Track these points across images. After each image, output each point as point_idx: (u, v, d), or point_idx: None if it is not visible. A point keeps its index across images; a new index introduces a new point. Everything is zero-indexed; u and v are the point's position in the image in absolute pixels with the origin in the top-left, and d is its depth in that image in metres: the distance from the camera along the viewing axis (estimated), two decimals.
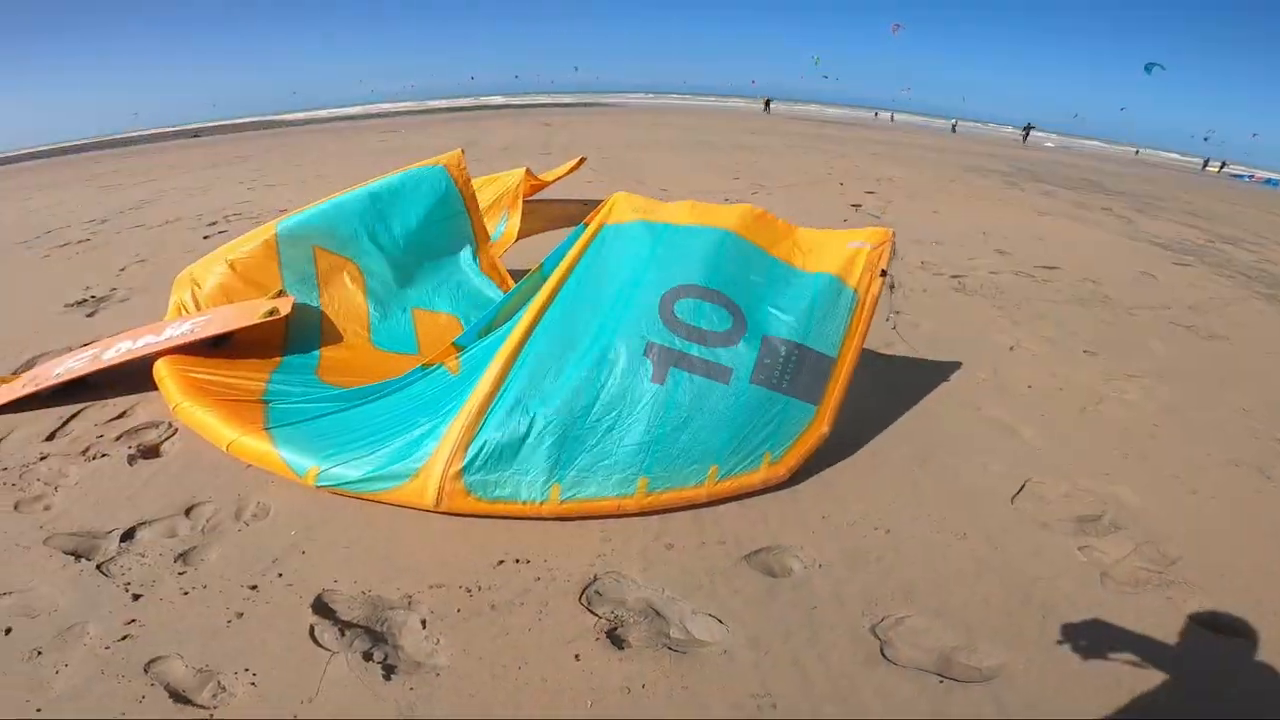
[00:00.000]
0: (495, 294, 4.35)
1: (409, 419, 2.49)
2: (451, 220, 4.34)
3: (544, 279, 2.86)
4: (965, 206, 10.00)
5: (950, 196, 10.81)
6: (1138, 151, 50.47)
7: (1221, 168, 41.40)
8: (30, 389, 3.05)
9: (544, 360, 2.57)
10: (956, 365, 3.92)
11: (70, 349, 3.65)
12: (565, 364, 2.55)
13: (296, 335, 3.53)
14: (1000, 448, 3.03)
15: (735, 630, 1.88)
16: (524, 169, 5.70)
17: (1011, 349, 4.34)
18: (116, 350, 3.26)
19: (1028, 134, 42.95)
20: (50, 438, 2.84)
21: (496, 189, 5.76)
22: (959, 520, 2.46)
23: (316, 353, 3.55)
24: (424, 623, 1.87)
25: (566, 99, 49.28)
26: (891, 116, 52.87)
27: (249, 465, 2.54)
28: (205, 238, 6.52)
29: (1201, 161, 43.00)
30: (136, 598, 1.94)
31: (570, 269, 2.82)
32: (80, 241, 6.66)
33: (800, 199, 9.35)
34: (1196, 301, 5.85)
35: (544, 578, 2.06)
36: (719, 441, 2.42)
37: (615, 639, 1.85)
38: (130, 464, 2.62)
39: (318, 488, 2.39)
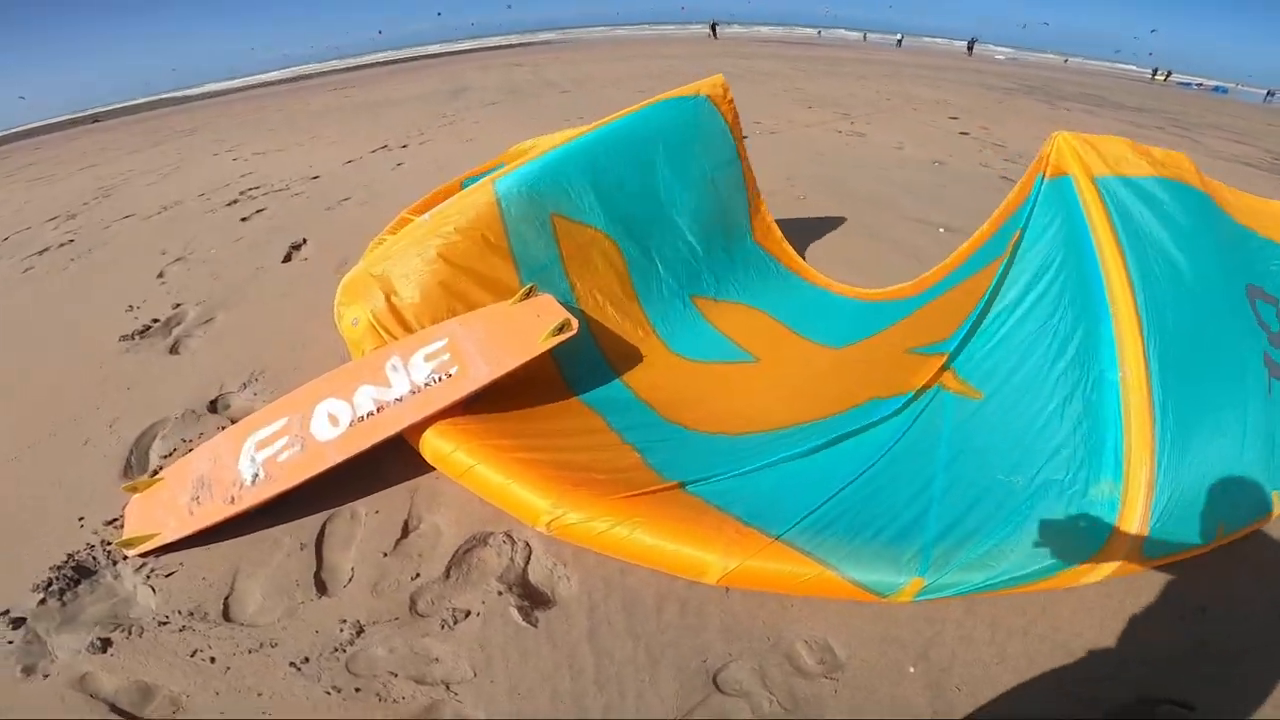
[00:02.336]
0: (784, 274, 3.30)
1: (1016, 466, 1.70)
2: (724, 171, 3.24)
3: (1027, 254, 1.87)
4: (1042, 128, 9.40)
5: (1022, 118, 10.13)
6: (1066, 60, 51.15)
7: (1168, 76, 42.33)
8: (236, 508, 1.84)
9: (1181, 369, 1.66)
10: None
11: (199, 419, 2.39)
12: (1205, 377, 1.70)
13: (567, 352, 2.37)
14: None
15: None
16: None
17: None
18: (328, 420, 2.06)
19: (971, 48, 43.08)
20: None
21: None
22: None
23: (616, 380, 2.45)
24: None
25: (496, 40, 45.56)
26: (864, 36, 51.57)
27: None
28: (244, 219, 5.05)
29: (1150, 71, 43.89)
30: None
31: (1109, 241, 1.78)
32: (62, 245, 5.08)
33: (907, 129, 8.35)
34: None
35: None
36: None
37: None
38: (529, 621, 1.53)
39: (917, 602, 1.54)
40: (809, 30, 56.48)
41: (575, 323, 2.26)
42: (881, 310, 2.82)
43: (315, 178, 6.27)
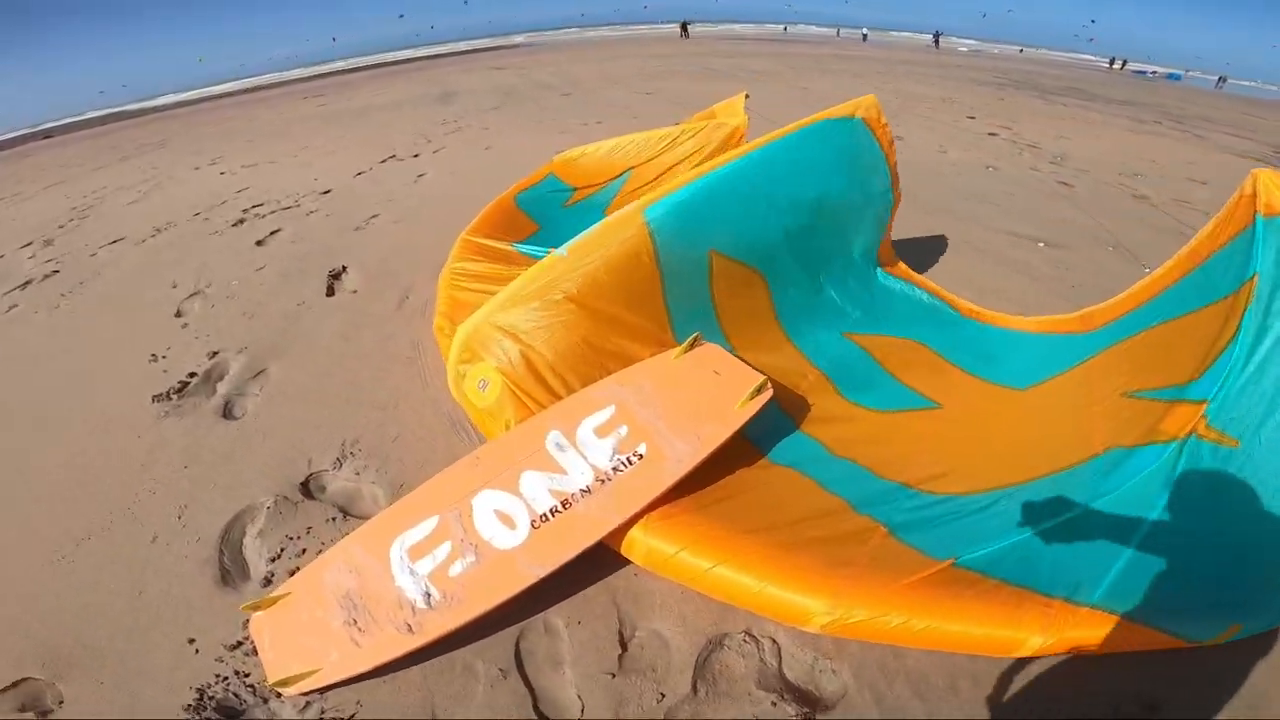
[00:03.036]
0: (926, 302, 2.98)
1: None
2: (878, 202, 2.92)
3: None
4: (1057, 126, 9.32)
5: (1033, 116, 10.10)
6: (1021, 50, 52.51)
7: (1124, 65, 43.62)
8: (418, 639, 1.41)
9: None
10: None
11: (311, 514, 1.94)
12: None
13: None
14: None
15: None
16: (743, 116, 4.23)
17: None
18: (498, 520, 1.64)
19: (937, 40, 43.99)
20: None
21: (700, 143, 4.24)
22: None
23: (803, 435, 2.08)
24: None
25: (464, 45, 44.58)
26: (838, 31, 51.95)
27: None
28: (259, 243, 4.52)
29: (1108, 60, 45.16)
30: None
31: None
32: (47, 277, 4.50)
33: (937, 130, 8.13)
34: None
35: None
36: None
37: None
38: None
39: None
40: (775, 27, 56.85)
41: (766, 393, 1.88)
42: (1055, 346, 2.56)
43: (327, 192, 5.73)
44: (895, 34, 57.74)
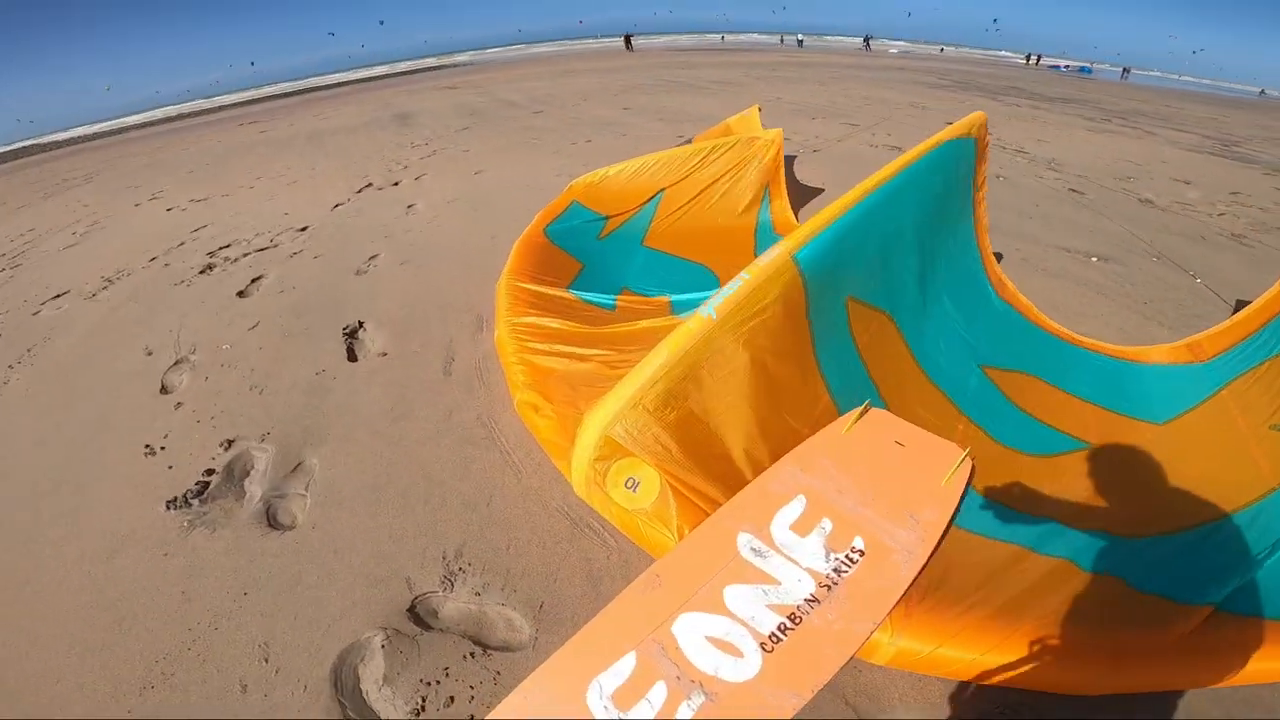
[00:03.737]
0: (1035, 331, 2.77)
1: None
2: (972, 219, 2.69)
3: None
4: (1029, 130, 9.64)
5: (1001, 120, 10.37)
6: (942, 50, 55.12)
7: (1038, 60, 46.31)
8: None
9: None
10: None
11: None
12: None
13: None
14: None
15: None
16: (778, 130, 3.98)
17: None
18: (714, 649, 1.22)
19: (868, 43, 46.06)
20: None
21: (735, 158, 3.98)
22: None
23: (979, 494, 1.84)
24: None
25: (405, 65, 43.50)
26: (781, 39, 53.13)
27: None
28: (241, 293, 3.97)
29: (1025, 56, 47.89)
30: None
31: None
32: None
33: (921, 138, 8.10)
34: None
35: None
36: None
37: None
38: None
39: None
40: (714, 36, 57.88)
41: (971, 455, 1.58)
42: (1175, 378, 2.50)
43: (304, 229, 5.17)
44: (828, 39, 59.68)
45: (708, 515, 1.39)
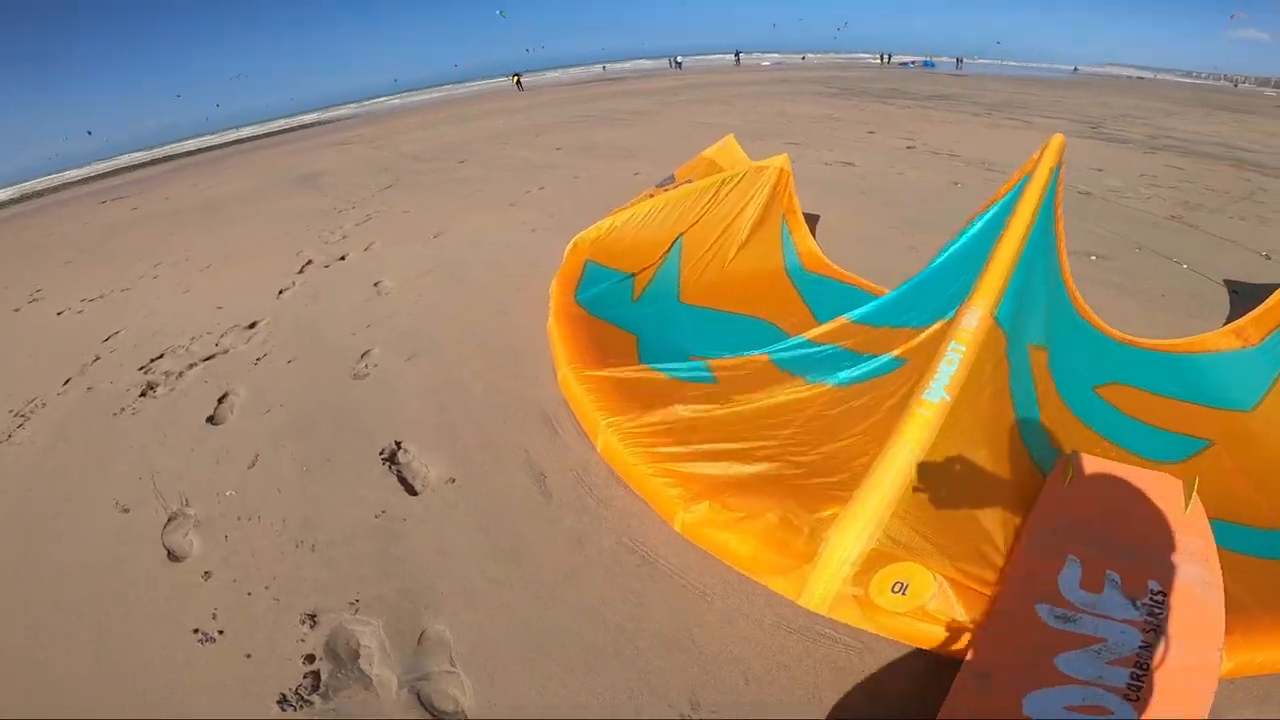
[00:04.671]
0: (1105, 339, 2.75)
1: None
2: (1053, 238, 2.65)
3: None
4: (942, 131, 10.27)
5: (918, 123, 10.94)
6: (804, 57, 59.47)
7: (889, 59, 50.74)
8: None
9: None
10: None
11: None
12: None
13: None
14: None
15: None
16: (783, 155, 3.86)
17: None
18: None
19: (739, 58, 49.21)
20: None
21: (744, 192, 3.81)
22: None
23: None
24: None
25: (277, 124, 41.13)
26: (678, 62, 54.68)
27: None
28: (210, 419, 3.32)
29: (879, 56, 52.37)
30: None
31: None
32: None
33: (864, 152, 8.37)
34: None
35: None
36: None
37: None
38: None
39: None
40: (595, 68, 59.05)
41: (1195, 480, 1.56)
42: (1237, 364, 2.60)
43: (253, 325, 4.48)
44: (701, 58, 62.32)
45: (986, 597, 1.43)
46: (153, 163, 28.29)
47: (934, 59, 55.23)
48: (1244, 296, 3.81)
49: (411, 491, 2.46)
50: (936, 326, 2.04)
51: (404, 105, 39.78)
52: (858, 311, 2.71)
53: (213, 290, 5.43)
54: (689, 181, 4.67)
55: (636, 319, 3.15)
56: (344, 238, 6.30)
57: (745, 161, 4.64)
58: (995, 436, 1.74)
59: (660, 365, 2.56)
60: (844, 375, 2.20)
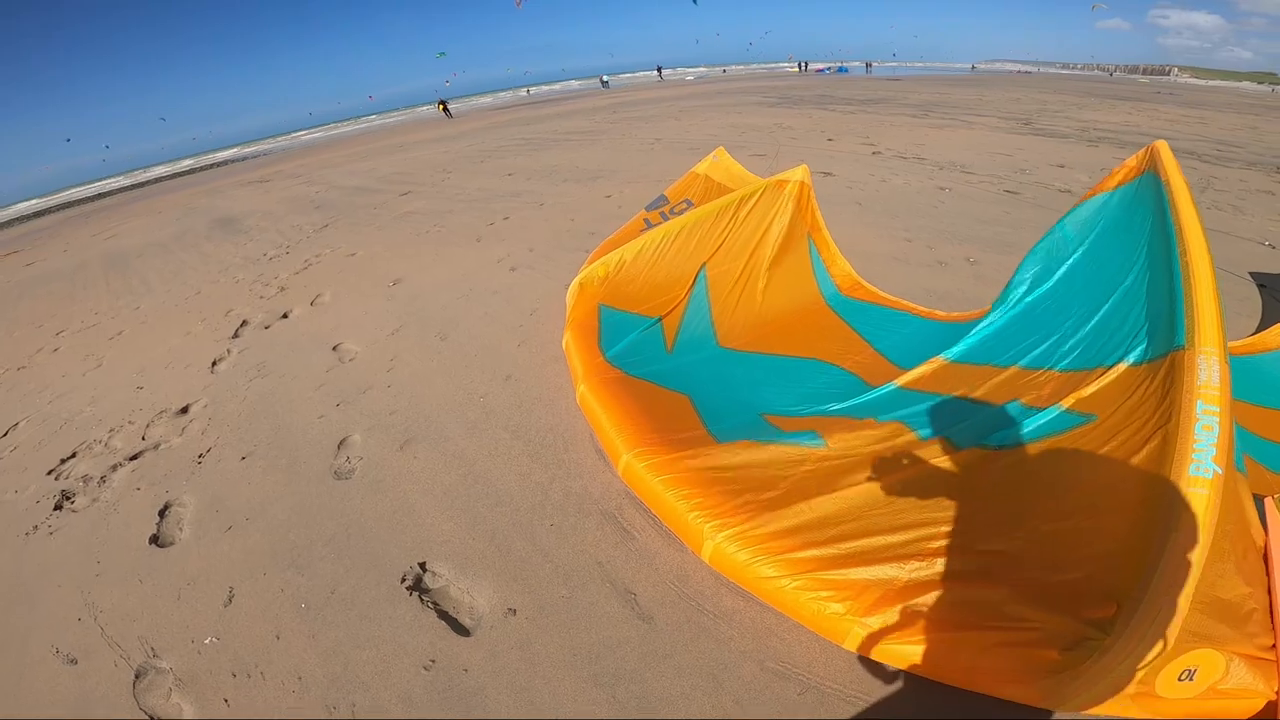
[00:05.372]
0: None
1: None
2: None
3: None
4: (897, 135, 10.41)
5: (869, 127, 10.98)
6: (725, 70, 61.45)
7: (807, 66, 52.93)
8: None
9: None
10: None
11: None
12: None
13: None
14: None
15: None
16: (802, 167, 3.47)
17: None
18: None
19: (660, 72, 50.95)
20: None
21: (765, 211, 3.41)
22: None
23: None
24: None
25: (159, 170, 38.58)
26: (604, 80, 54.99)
27: None
28: (155, 539, 2.59)
29: (797, 65, 54.73)
30: None
31: None
32: None
33: (838, 161, 8.19)
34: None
35: None
36: None
37: None
38: None
39: None
40: (520, 91, 58.98)
41: None
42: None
43: (185, 409, 3.71)
44: (623, 75, 62.93)
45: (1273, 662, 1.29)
46: (49, 211, 25.76)
47: (846, 64, 57.82)
48: (1272, 289, 3.69)
49: (462, 630, 1.85)
50: (1119, 372, 1.65)
51: (325, 138, 38.06)
52: (955, 350, 2.31)
53: (129, 364, 4.57)
54: (686, 203, 4.24)
55: (680, 374, 2.66)
56: (282, 290, 5.50)
57: (747, 176, 4.23)
58: (1235, 494, 1.42)
59: (744, 434, 2.08)
60: (1001, 436, 1.78)
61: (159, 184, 29.43)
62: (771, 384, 2.62)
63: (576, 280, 3.27)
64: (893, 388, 2.30)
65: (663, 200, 4.45)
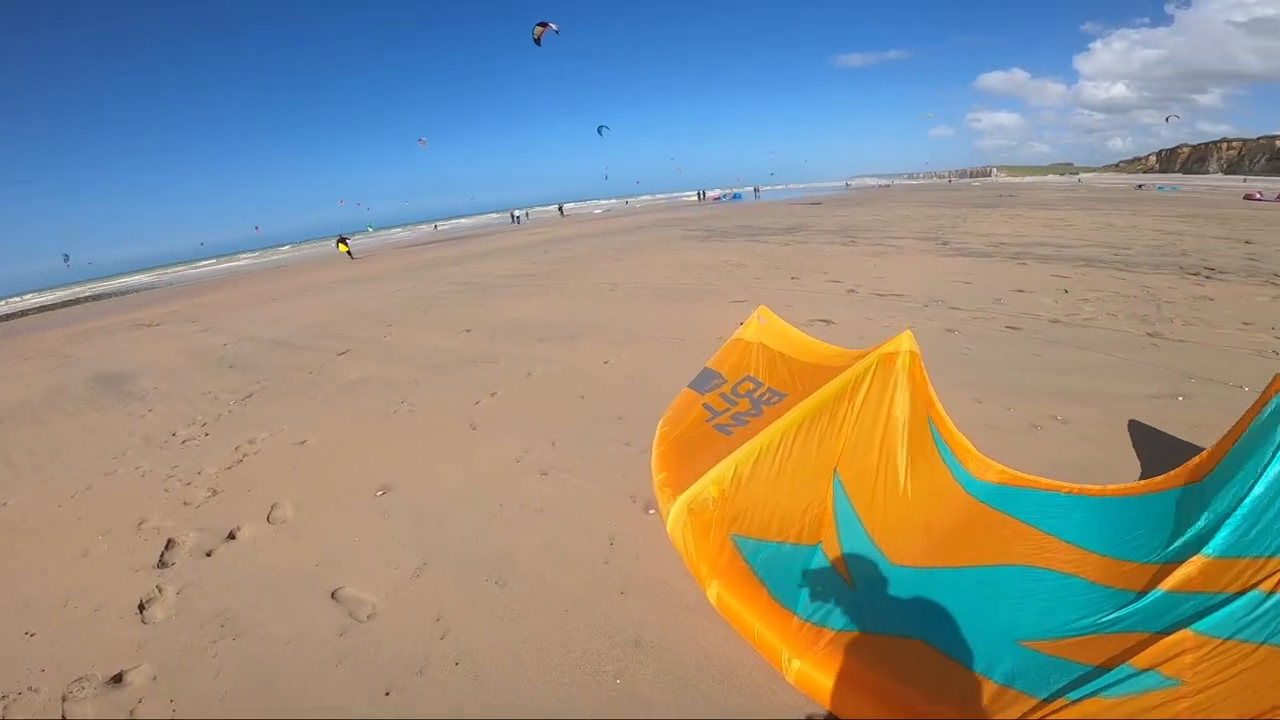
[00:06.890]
0: None
1: None
2: None
3: None
4: (854, 270, 11.10)
5: (829, 265, 11.50)
6: (628, 202, 66.94)
7: (704, 195, 58.60)
8: None
9: None
10: None
11: None
12: None
13: None
14: None
15: None
16: (906, 333, 3.11)
17: None
18: None
19: (562, 209, 53.27)
20: None
21: (884, 396, 2.95)
22: None
23: None
24: None
25: (40, 298, 34.83)
26: (527, 214, 56.72)
27: None
28: None
29: (697, 194, 60.27)
30: None
31: None
32: None
33: (815, 301, 8.18)
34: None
35: None
36: None
37: None
38: None
39: None
40: (426, 227, 60.42)
41: None
42: None
43: (118, 680, 2.44)
44: (534, 209, 66.01)
45: None
46: None
47: (740, 190, 64.12)
48: None
49: None
50: None
51: (215, 273, 35.80)
52: (1217, 543, 1.89)
53: (18, 607, 3.17)
54: (750, 379, 3.72)
55: (890, 614, 2.07)
56: (214, 493, 4.24)
57: (807, 340, 3.82)
58: None
59: (1035, 675, 1.50)
60: None
61: (24, 318, 25.91)
62: (996, 603, 2.09)
63: (682, 504, 2.58)
64: (1180, 594, 1.83)
65: (713, 377, 3.93)
